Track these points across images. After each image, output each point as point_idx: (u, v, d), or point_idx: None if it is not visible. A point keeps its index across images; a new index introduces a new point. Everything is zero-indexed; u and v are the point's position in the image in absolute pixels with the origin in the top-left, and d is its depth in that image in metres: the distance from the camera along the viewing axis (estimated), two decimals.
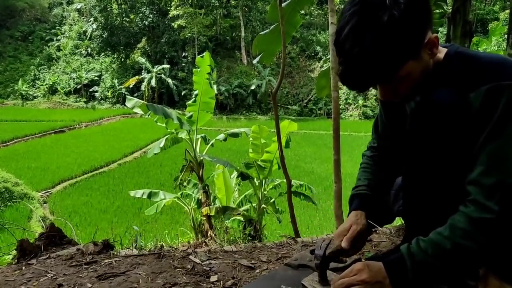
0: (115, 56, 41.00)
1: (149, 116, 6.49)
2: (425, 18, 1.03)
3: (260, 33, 4.35)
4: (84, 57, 42.76)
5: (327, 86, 4.27)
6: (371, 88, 1.12)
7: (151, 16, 39.90)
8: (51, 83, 39.34)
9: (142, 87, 36.32)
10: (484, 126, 0.98)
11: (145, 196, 7.26)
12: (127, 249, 1.83)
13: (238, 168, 7.24)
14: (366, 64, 1.01)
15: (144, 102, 6.85)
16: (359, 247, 1.37)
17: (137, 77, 36.57)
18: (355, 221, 1.35)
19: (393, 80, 1.07)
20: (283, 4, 3.69)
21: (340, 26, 1.03)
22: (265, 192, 7.34)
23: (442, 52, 1.14)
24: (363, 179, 1.46)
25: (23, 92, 38.77)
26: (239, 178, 7.05)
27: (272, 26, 4.16)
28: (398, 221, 2.15)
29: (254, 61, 4.71)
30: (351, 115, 35.55)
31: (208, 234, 6.81)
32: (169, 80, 36.17)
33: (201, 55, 6.93)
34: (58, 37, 44.71)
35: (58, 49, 43.61)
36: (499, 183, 0.96)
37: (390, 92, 1.12)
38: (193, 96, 7.05)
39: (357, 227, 1.33)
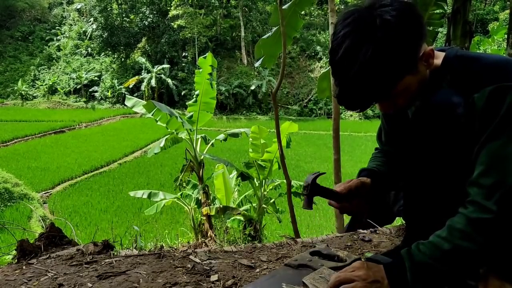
0: (115, 56, 41.03)
1: (152, 116, 6.50)
2: (417, 32, 1.03)
3: (263, 36, 4.39)
4: (84, 57, 42.80)
5: (328, 88, 4.31)
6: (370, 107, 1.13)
7: (151, 16, 39.94)
8: (51, 83, 39.36)
9: (142, 87, 36.34)
10: (487, 126, 0.98)
11: (145, 196, 7.27)
12: (127, 249, 1.83)
13: (238, 168, 7.25)
14: (363, 85, 1.02)
15: (147, 100, 6.86)
16: (354, 203, 1.36)
17: (137, 77, 36.59)
18: (357, 179, 1.37)
19: (391, 96, 1.08)
20: (283, 7, 3.71)
21: (334, 47, 1.04)
22: (265, 193, 7.34)
23: (439, 57, 1.14)
24: (371, 165, 1.49)
25: (22, 92, 38.78)
26: (239, 178, 7.06)
27: (274, 29, 4.18)
28: (398, 221, 2.15)
29: (256, 64, 4.75)
30: (351, 115, 35.57)
31: (208, 234, 6.82)
32: (169, 80, 36.19)
33: (204, 55, 6.95)
34: (58, 37, 44.75)
35: (58, 49, 43.65)
36: (498, 183, 0.96)
37: (388, 106, 1.14)
38: (194, 96, 7.07)
39: (358, 180, 1.34)
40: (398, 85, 1.04)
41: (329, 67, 3.71)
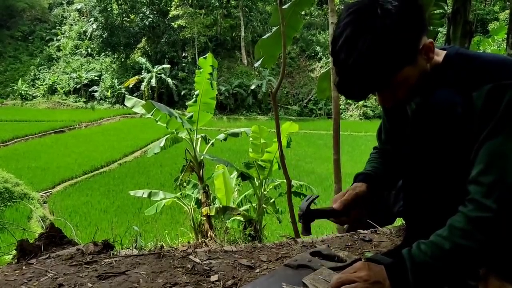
0: (115, 56, 41.02)
1: (152, 116, 6.49)
2: (418, 24, 1.04)
3: (263, 37, 4.40)
4: (84, 57, 42.78)
5: (328, 88, 4.30)
6: (368, 96, 1.12)
7: (151, 16, 39.92)
8: (50, 83, 39.32)
9: (142, 87, 36.32)
10: (485, 125, 0.98)
11: (145, 196, 7.28)
12: (127, 249, 1.83)
13: (238, 168, 7.24)
14: (361, 74, 1.02)
15: (146, 100, 6.86)
16: (353, 214, 1.36)
17: (137, 76, 36.56)
18: (353, 187, 1.36)
19: (389, 87, 1.08)
20: (283, 7, 3.71)
21: (335, 36, 1.05)
22: (265, 192, 7.34)
23: (440, 54, 1.14)
24: (368, 167, 1.48)
25: (22, 92, 38.74)
26: (239, 178, 7.06)
27: (274, 29, 4.18)
28: (399, 222, 2.15)
29: (256, 64, 4.76)
30: (351, 115, 35.55)
31: (208, 234, 6.81)
32: (169, 80, 36.16)
33: (204, 56, 6.96)
34: (58, 37, 44.74)
35: (58, 49, 43.63)
36: (497, 181, 0.96)
37: (387, 97, 1.14)
38: (194, 96, 7.06)
39: (353, 191, 1.33)
40: (397, 76, 1.05)
41: (329, 67, 3.71)
